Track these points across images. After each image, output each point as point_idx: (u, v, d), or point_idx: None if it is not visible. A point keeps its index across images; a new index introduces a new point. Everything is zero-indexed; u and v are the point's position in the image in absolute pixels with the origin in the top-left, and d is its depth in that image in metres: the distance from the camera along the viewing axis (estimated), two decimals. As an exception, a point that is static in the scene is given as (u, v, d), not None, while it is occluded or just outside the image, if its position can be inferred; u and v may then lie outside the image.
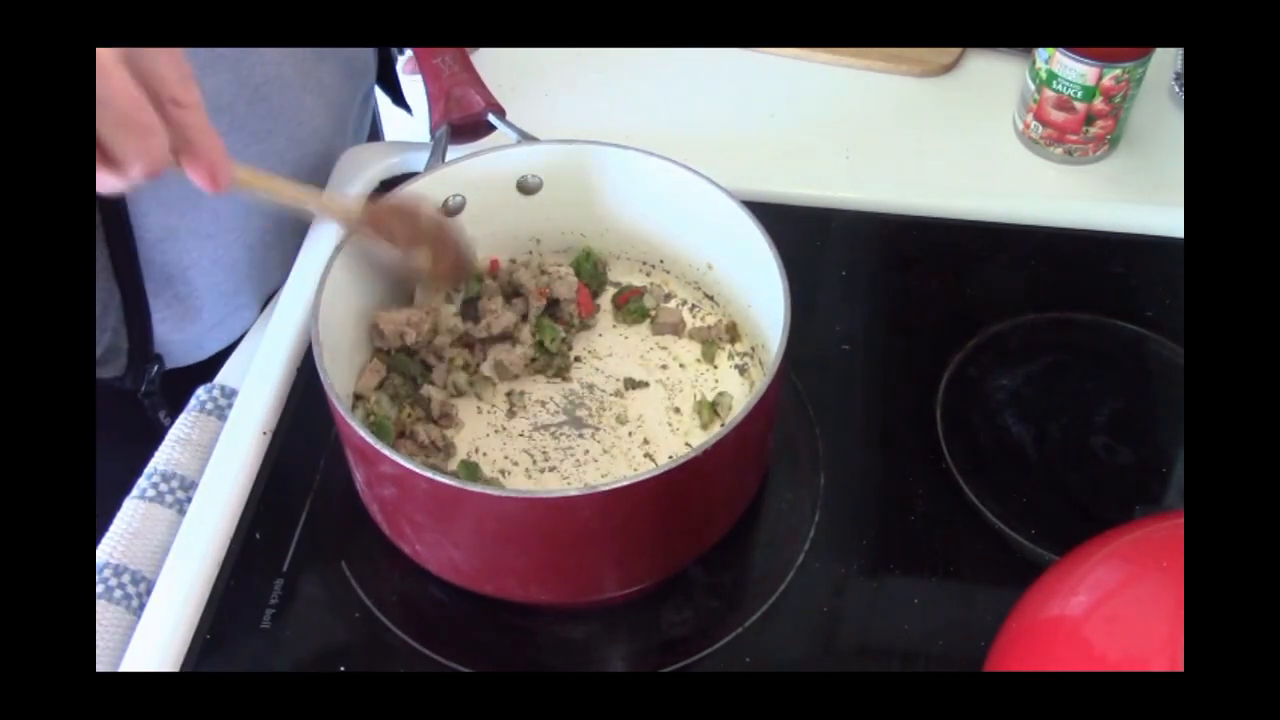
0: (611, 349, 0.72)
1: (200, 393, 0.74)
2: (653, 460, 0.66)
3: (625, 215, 0.73)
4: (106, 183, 0.48)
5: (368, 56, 0.88)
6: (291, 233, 0.79)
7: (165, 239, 0.71)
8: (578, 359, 0.71)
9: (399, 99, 0.94)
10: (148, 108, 0.47)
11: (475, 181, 0.70)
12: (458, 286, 0.71)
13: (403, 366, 0.68)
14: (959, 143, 0.94)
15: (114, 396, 0.75)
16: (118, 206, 0.68)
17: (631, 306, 0.72)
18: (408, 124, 0.98)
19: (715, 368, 0.70)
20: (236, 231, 0.75)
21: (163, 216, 0.70)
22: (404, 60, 0.96)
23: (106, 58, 0.45)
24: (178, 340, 0.76)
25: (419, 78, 0.79)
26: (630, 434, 0.67)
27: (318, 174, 0.83)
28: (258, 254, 0.77)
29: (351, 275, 0.65)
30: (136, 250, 0.70)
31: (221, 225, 0.73)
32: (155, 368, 0.76)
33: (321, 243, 0.78)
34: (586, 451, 0.67)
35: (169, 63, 0.48)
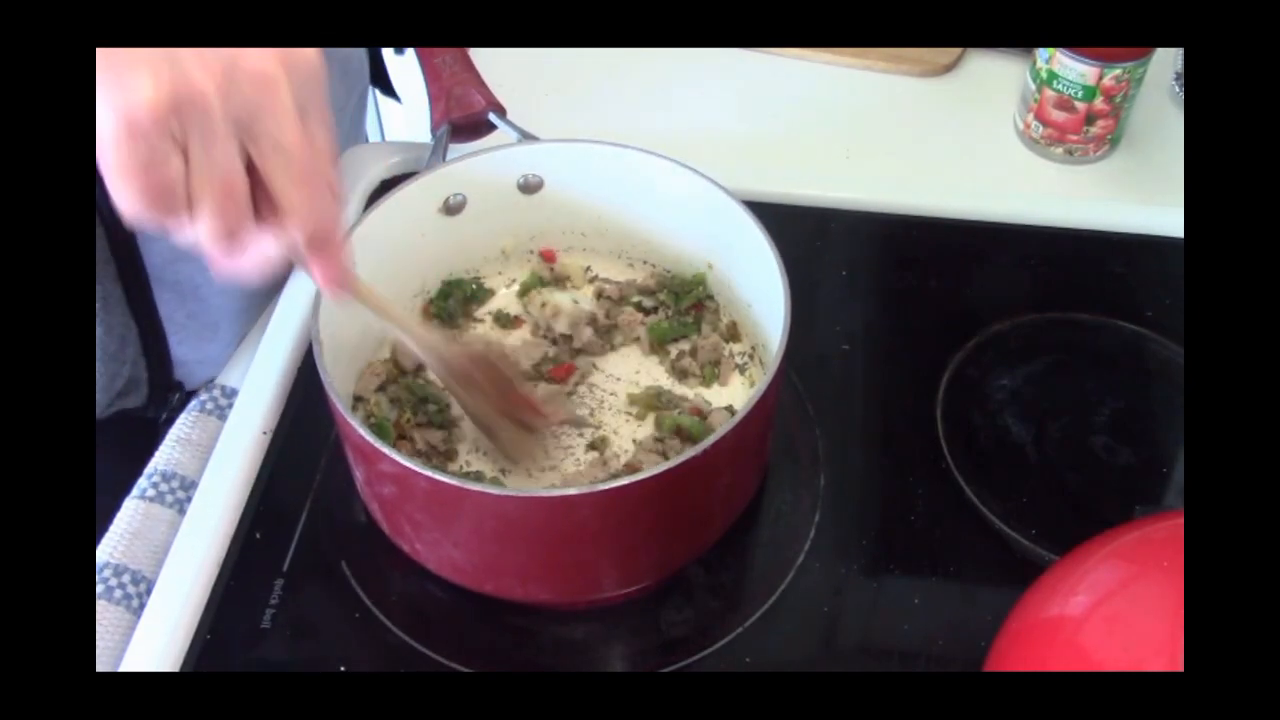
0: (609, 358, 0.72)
1: (200, 393, 0.74)
2: (653, 460, 0.66)
3: (625, 215, 0.73)
4: (182, 229, 0.44)
5: (361, 57, 0.87)
6: None
7: (175, 260, 0.71)
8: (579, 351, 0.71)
9: (388, 89, 0.94)
10: (239, 183, 0.42)
11: (476, 180, 0.70)
12: (536, 462, 0.66)
13: (417, 389, 0.68)
14: (959, 143, 0.94)
15: (133, 423, 0.75)
16: (127, 241, 0.67)
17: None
18: (408, 124, 0.98)
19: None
20: None
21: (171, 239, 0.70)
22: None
23: (219, 119, 0.40)
24: (197, 360, 0.76)
25: (413, 69, 0.79)
26: (631, 434, 0.67)
27: None
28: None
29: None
30: (149, 281, 0.70)
31: None
32: (176, 395, 0.76)
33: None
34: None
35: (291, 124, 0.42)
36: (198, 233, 0.43)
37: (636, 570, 0.62)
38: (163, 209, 0.42)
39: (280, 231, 0.45)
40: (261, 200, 0.44)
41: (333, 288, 0.49)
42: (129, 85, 0.39)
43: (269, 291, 0.77)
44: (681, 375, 0.70)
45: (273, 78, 0.41)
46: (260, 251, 0.45)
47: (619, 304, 0.73)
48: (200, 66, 0.40)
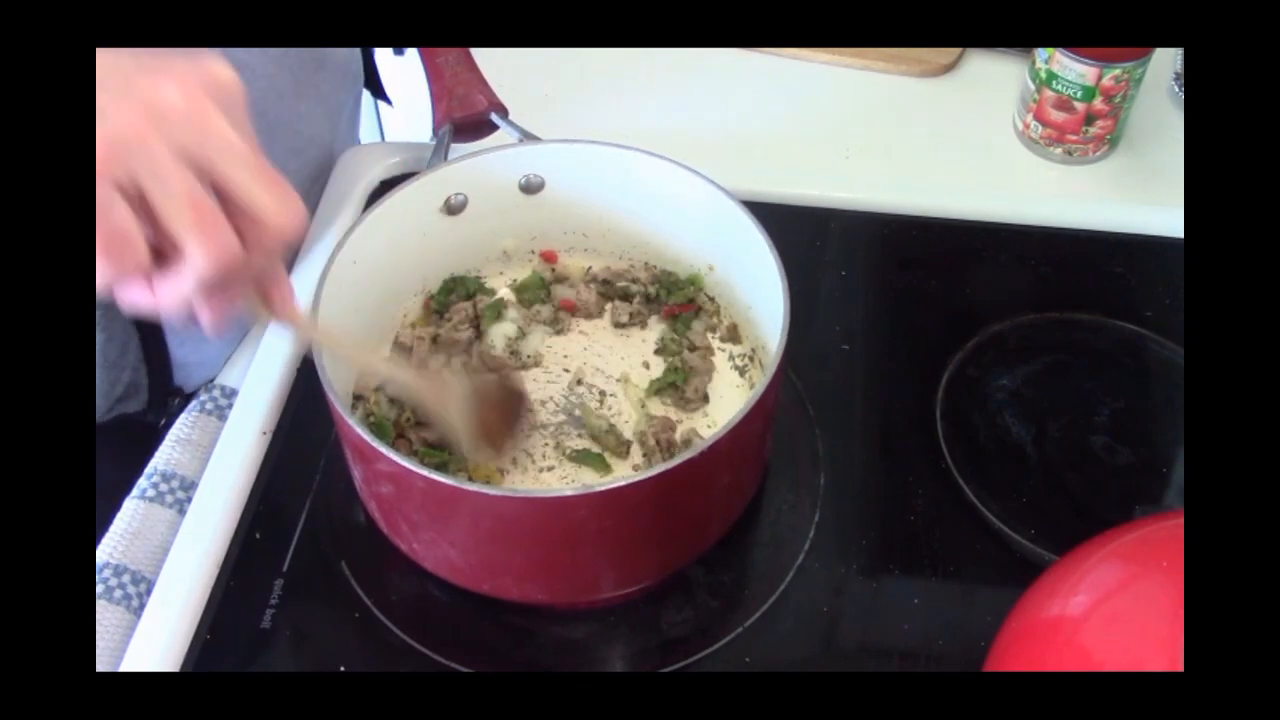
0: (611, 347, 0.72)
1: (200, 393, 0.74)
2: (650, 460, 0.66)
3: (626, 215, 0.73)
4: (167, 290, 0.45)
5: (359, 59, 0.87)
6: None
7: None
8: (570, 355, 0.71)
9: (379, 91, 0.94)
10: (210, 201, 0.43)
11: (477, 180, 0.70)
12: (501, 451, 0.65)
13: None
14: (959, 143, 0.94)
15: (133, 427, 0.75)
16: None
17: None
18: (408, 124, 0.98)
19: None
20: None
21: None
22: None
23: (163, 153, 0.41)
24: (196, 361, 0.76)
25: (413, 70, 0.79)
26: (630, 434, 0.67)
27: (319, 178, 0.83)
28: None
29: (352, 275, 0.65)
30: None
31: None
32: (175, 400, 0.76)
33: (321, 244, 0.78)
34: (586, 451, 0.67)
35: (245, 163, 0.44)
36: (186, 277, 0.44)
37: (635, 571, 0.62)
38: (120, 262, 0.42)
39: (259, 242, 0.45)
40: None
41: (282, 318, 0.51)
42: None
43: None
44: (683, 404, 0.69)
45: (200, 107, 0.42)
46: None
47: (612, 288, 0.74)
48: (127, 111, 0.41)
